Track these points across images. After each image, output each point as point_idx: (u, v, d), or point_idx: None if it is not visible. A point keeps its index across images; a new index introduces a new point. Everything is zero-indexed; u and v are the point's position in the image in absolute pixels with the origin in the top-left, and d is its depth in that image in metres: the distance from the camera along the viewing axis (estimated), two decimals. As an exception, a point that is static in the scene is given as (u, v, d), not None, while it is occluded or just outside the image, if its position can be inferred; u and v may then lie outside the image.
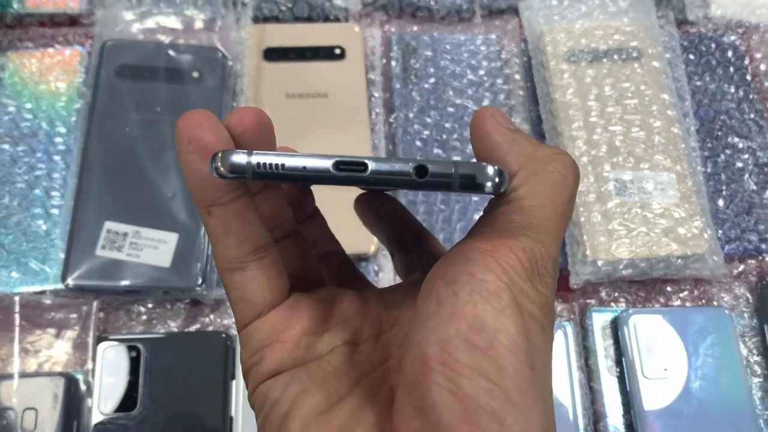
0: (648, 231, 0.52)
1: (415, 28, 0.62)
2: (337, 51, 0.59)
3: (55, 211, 0.53)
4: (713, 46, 0.63)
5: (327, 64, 0.59)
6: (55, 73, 0.57)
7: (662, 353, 0.51)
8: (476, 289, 0.19)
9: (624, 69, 0.58)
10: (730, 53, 0.63)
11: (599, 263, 0.52)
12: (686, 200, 0.54)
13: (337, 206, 0.52)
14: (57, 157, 0.54)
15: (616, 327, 0.52)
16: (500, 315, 0.19)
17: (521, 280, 0.20)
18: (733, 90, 0.62)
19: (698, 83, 0.62)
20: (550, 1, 0.61)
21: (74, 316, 0.49)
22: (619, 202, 0.53)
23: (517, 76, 0.61)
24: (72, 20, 0.60)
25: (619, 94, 0.57)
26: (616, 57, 0.58)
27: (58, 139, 0.55)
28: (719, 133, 0.60)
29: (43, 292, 0.50)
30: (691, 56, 0.63)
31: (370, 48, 0.61)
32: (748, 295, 0.55)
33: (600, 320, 0.53)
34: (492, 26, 0.63)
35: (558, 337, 0.51)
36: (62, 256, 0.50)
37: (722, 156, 0.59)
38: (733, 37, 0.64)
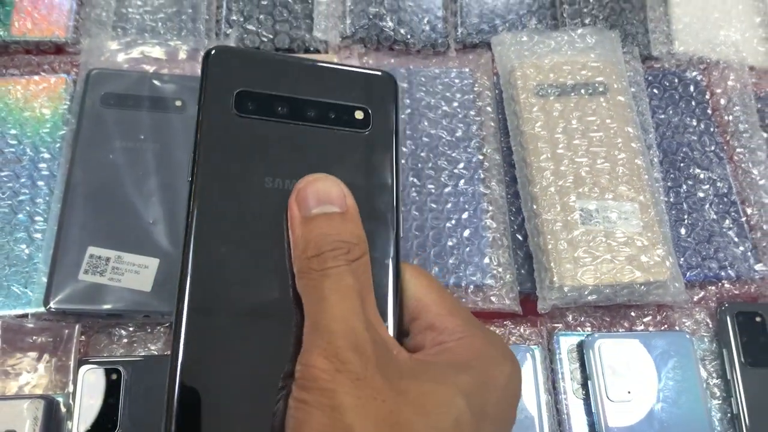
0: (612, 258, 0.55)
1: (392, 61, 0.65)
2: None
3: (38, 236, 0.54)
4: (676, 80, 0.67)
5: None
6: (41, 100, 0.58)
7: (626, 376, 0.53)
8: None
9: (590, 103, 0.61)
10: (692, 88, 0.66)
11: (565, 289, 0.54)
12: (649, 229, 0.56)
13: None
14: (41, 183, 0.56)
15: (582, 350, 0.54)
16: None
17: None
18: (694, 123, 0.65)
19: (662, 116, 0.65)
20: (521, 36, 0.64)
21: (56, 339, 0.50)
22: (585, 231, 0.56)
23: (489, 109, 0.63)
24: (58, 48, 0.61)
25: (585, 127, 0.60)
26: (583, 91, 0.61)
27: (42, 165, 0.56)
28: (681, 165, 0.63)
29: (25, 316, 0.51)
30: (655, 90, 0.66)
31: (348, 79, 0.63)
32: (708, 320, 0.57)
33: (567, 344, 0.55)
34: (466, 60, 0.66)
35: (526, 360, 0.54)
36: (45, 280, 0.51)
37: (684, 186, 0.62)
38: (694, 73, 0.67)
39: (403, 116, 0.62)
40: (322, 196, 0.25)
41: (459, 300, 0.27)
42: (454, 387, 0.23)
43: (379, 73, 0.33)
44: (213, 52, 0.31)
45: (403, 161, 0.60)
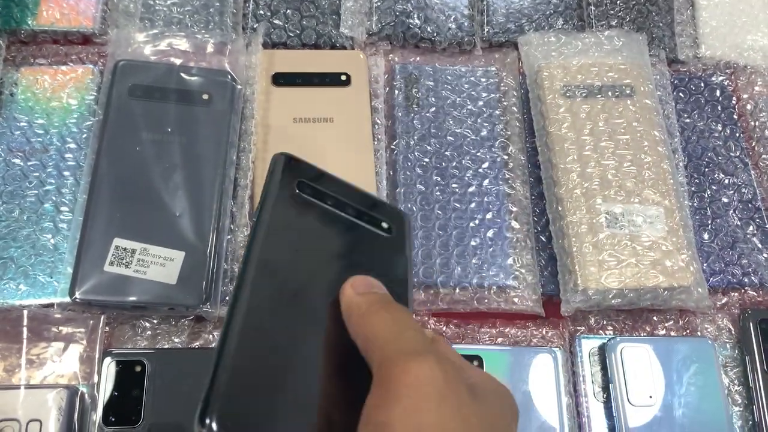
0: (637, 262, 0.55)
1: (417, 59, 0.65)
2: (343, 77, 0.61)
3: (63, 226, 0.54)
4: (702, 85, 0.66)
5: (333, 90, 0.61)
6: (68, 90, 0.58)
7: (647, 381, 0.53)
8: None
9: (617, 105, 0.61)
10: (718, 92, 0.66)
11: (589, 292, 0.54)
12: (674, 234, 0.56)
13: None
14: (67, 173, 0.56)
15: (603, 354, 0.54)
16: None
17: None
18: (720, 128, 0.64)
19: (687, 120, 0.65)
20: (548, 37, 0.64)
21: (81, 330, 0.50)
22: (610, 234, 0.55)
23: (515, 108, 0.63)
24: (85, 39, 0.61)
25: (612, 130, 0.60)
26: (610, 93, 0.61)
27: (69, 155, 0.56)
28: (706, 170, 0.63)
29: (50, 305, 0.51)
30: (681, 94, 0.66)
31: (374, 76, 0.63)
32: (731, 326, 0.57)
33: (588, 347, 0.55)
34: (491, 59, 0.66)
35: (548, 362, 0.53)
36: (70, 270, 0.51)
37: (708, 191, 0.62)
38: (721, 77, 0.67)
39: (428, 114, 0.62)
40: (370, 283, 0.33)
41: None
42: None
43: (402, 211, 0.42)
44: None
45: (427, 159, 0.60)
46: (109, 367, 0.49)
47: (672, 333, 0.57)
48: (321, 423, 0.29)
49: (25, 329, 0.50)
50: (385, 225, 0.39)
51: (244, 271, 0.32)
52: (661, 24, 0.68)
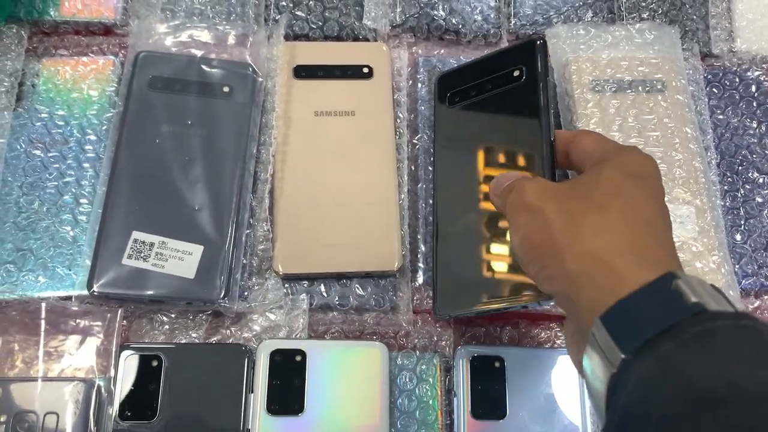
0: (666, 263, 0.53)
1: (442, 51, 0.63)
2: (365, 70, 0.60)
3: (83, 218, 0.54)
4: (737, 80, 0.64)
5: (354, 83, 0.59)
6: (88, 81, 0.58)
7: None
8: None
9: (648, 101, 0.59)
10: (753, 88, 0.64)
11: (617, 293, 0.52)
12: (705, 234, 0.54)
13: (362, 223, 0.53)
14: (87, 165, 0.55)
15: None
16: None
17: None
18: (755, 125, 0.62)
19: (720, 117, 0.62)
20: (577, 29, 0.62)
21: (98, 323, 0.50)
22: (639, 234, 0.54)
23: (541, 103, 0.61)
24: (106, 30, 0.61)
25: (642, 126, 0.58)
26: (640, 88, 0.59)
27: (89, 147, 0.56)
28: (740, 168, 0.60)
29: (68, 298, 0.51)
30: (715, 90, 0.63)
31: (397, 69, 0.61)
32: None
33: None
34: (518, 52, 0.64)
35: (571, 363, 0.52)
36: (88, 262, 0.51)
37: (742, 190, 0.60)
38: (757, 72, 0.64)
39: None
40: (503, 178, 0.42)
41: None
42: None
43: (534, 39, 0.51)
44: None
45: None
46: (126, 361, 0.49)
47: (701, 336, 0.55)
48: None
49: (43, 322, 0.50)
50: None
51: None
52: (694, 17, 0.66)
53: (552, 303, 0.47)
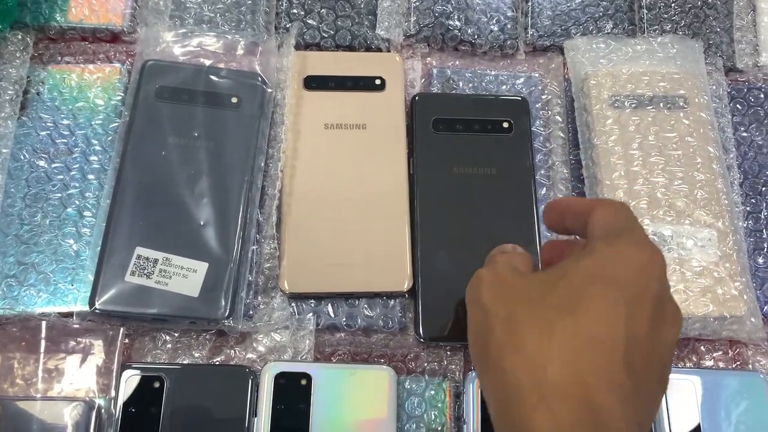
0: (685, 289, 0.51)
1: (456, 62, 0.61)
2: (378, 81, 0.58)
3: (86, 231, 0.52)
4: (762, 96, 0.62)
5: (366, 95, 0.58)
6: (94, 90, 0.57)
7: (693, 418, 0.49)
8: None
9: (669, 118, 0.57)
10: (779, 105, 0.61)
11: (634, 320, 0.50)
12: (727, 259, 0.52)
13: (372, 241, 0.52)
14: (91, 176, 0.54)
15: (646, 385, 0.51)
16: None
17: None
18: (779, 143, 0.60)
19: (744, 134, 0.60)
20: (596, 42, 0.60)
21: (100, 341, 0.49)
22: (658, 257, 0.52)
23: (558, 118, 0.59)
24: (114, 36, 0.59)
25: (663, 144, 0.56)
26: (661, 105, 0.57)
27: (93, 158, 0.55)
28: (763, 189, 0.58)
29: (69, 314, 0.50)
30: (739, 106, 0.61)
31: (410, 80, 0.60)
32: (785, 359, 0.53)
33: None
34: (535, 64, 0.62)
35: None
36: (91, 278, 0.49)
37: (765, 212, 0.58)
38: (784, 89, 0.62)
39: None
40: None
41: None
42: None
43: (518, 98, 0.59)
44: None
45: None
46: (128, 382, 0.47)
47: (720, 364, 0.53)
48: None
49: (43, 339, 0.48)
50: (506, 125, 0.57)
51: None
52: (718, 29, 0.64)
53: None
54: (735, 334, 0.51)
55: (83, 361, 0.49)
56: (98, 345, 0.49)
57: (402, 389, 0.49)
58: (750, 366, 0.53)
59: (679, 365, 0.53)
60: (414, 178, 0.55)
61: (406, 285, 0.52)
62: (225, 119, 0.55)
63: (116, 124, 0.56)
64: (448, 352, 0.52)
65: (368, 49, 0.61)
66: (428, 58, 0.62)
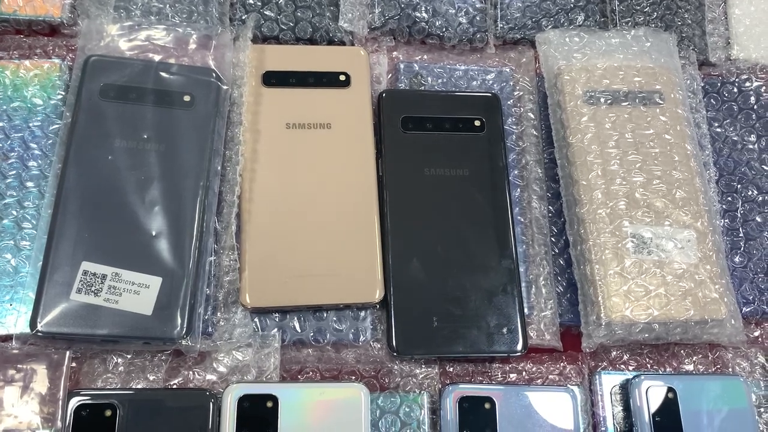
0: (666, 293, 0.49)
1: (424, 56, 0.58)
2: (342, 77, 0.55)
3: (25, 244, 0.48)
4: (735, 91, 0.60)
5: (330, 92, 0.54)
6: (32, 89, 0.52)
7: (674, 423, 0.48)
8: None
9: (646, 114, 0.55)
10: (752, 99, 0.60)
11: (614, 326, 0.48)
12: (707, 261, 0.51)
13: (340, 249, 0.48)
14: (30, 184, 0.49)
15: (626, 392, 0.49)
16: None
17: None
18: (754, 139, 0.59)
19: (718, 130, 0.59)
20: (569, 36, 0.58)
21: (43, 366, 0.44)
22: (637, 261, 0.50)
23: (531, 115, 0.57)
24: (52, 29, 0.55)
25: (640, 142, 0.54)
26: (637, 100, 0.55)
27: (32, 163, 0.50)
28: (739, 186, 0.57)
29: (8, 338, 0.45)
30: (712, 101, 0.60)
31: (376, 75, 0.57)
32: (765, 362, 0.52)
33: (609, 384, 0.50)
34: (506, 58, 0.60)
35: (565, 403, 0.48)
36: (32, 296, 0.45)
37: (741, 210, 0.57)
38: (756, 83, 0.61)
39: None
40: None
41: None
42: None
43: (489, 94, 0.56)
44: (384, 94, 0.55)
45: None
46: (75, 411, 0.43)
47: (700, 368, 0.52)
48: None
49: (-22, 368, 0.44)
50: (477, 123, 0.54)
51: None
52: (690, 21, 0.62)
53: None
54: (716, 337, 0.50)
55: (25, 389, 0.44)
56: (41, 371, 0.44)
57: (375, 407, 0.47)
58: (730, 369, 0.52)
59: (660, 370, 0.51)
60: (383, 181, 0.52)
61: (377, 295, 0.49)
62: (177, 119, 0.51)
63: (57, 125, 0.51)
64: (423, 366, 0.49)
65: (330, 42, 0.57)
66: (394, 52, 0.58)
